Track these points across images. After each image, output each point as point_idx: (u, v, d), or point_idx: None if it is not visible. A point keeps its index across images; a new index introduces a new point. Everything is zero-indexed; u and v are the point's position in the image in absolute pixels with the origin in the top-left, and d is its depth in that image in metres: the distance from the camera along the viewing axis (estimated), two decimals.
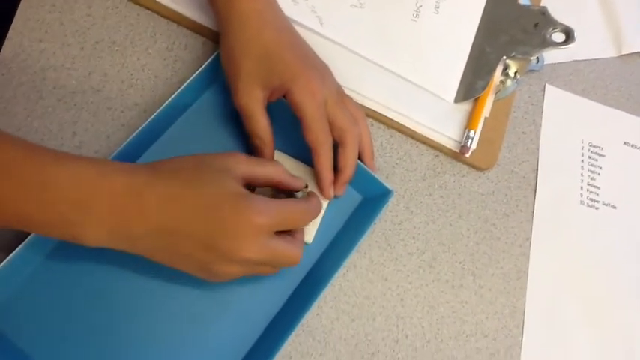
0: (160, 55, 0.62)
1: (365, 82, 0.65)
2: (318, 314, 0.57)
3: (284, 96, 0.55)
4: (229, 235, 0.46)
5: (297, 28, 0.60)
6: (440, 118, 0.66)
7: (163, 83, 0.61)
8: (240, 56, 0.55)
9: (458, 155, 0.65)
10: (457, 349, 0.59)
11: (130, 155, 0.55)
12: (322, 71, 0.57)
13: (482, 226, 0.64)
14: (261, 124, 0.55)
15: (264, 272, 0.50)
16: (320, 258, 0.57)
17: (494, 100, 0.68)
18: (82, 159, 0.45)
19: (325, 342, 0.56)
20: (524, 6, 0.70)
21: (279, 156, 0.58)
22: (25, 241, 0.49)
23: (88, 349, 0.50)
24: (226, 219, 0.46)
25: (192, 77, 0.58)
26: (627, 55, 0.77)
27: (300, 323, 0.53)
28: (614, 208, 0.68)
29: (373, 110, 0.65)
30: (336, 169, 0.57)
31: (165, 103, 0.56)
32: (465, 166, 0.66)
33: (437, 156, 0.66)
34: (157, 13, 0.64)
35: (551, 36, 0.67)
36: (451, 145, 0.66)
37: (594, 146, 0.71)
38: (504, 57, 0.67)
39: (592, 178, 0.69)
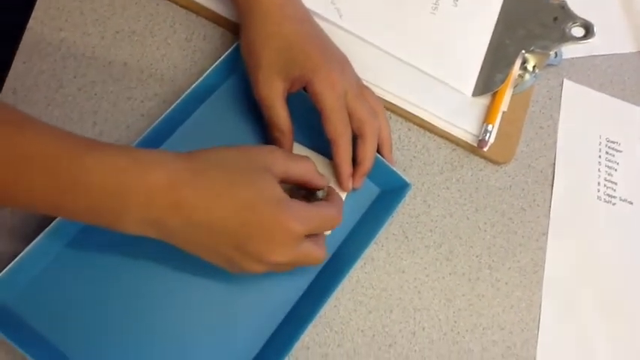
0: (179, 46, 0.62)
1: (383, 75, 0.65)
2: (335, 306, 0.57)
3: (304, 87, 0.55)
4: (263, 238, 0.46)
5: (316, 19, 0.60)
6: (458, 112, 0.66)
7: (182, 74, 0.61)
8: (261, 48, 0.55)
9: (475, 149, 0.65)
10: (473, 342, 0.59)
11: (150, 145, 0.55)
12: (342, 63, 0.57)
13: (499, 219, 0.64)
14: (281, 116, 0.55)
15: (285, 270, 0.50)
16: (338, 250, 0.57)
17: (512, 95, 0.68)
18: (118, 149, 0.44)
19: (342, 333, 0.56)
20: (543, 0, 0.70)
21: (297, 148, 0.58)
22: (45, 230, 0.49)
23: (107, 335, 0.51)
24: (263, 223, 0.45)
25: (212, 68, 0.58)
26: None
27: (318, 315, 0.53)
28: (630, 203, 0.68)
29: (391, 103, 0.65)
30: (354, 161, 0.57)
31: (185, 94, 0.56)
32: (482, 160, 0.66)
33: (454, 149, 0.66)
34: (176, 3, 0.64)
35: (570, 30, 0.67)
36: (469, 138, 0.65)
37: (612, 141, 0.71)
38: (523, 51, 0.67)
39: (609, 174, 0.69)
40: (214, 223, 0.45)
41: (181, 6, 0.64)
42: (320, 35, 0.58)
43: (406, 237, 0.61)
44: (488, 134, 0.64)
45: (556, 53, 0.72)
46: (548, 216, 0.66)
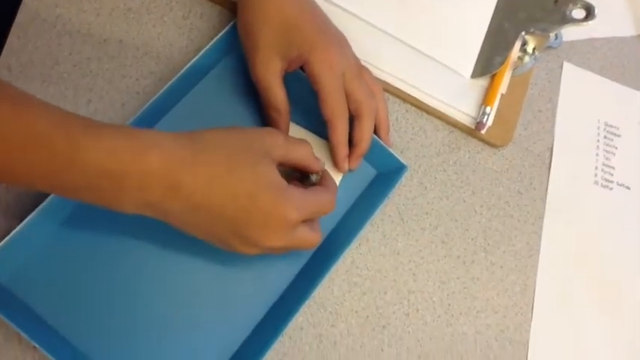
0: (176, 24, 0.61)
1: (381, 56, 0.65)
2: (329, 287, 0.57)
3: (301, 67, 0.54)
4: (260, 224, 0.46)
5: None
6: (456, 94, 0.65)
7: (179, 52, 0.60)
8: (258, 29, 0.54)
9: (473, 131, 0.65)
10: (467, 325, 0.59)
11: (144, 124, 0.55)
12: (341, 43, 0.56)
13: (495, 203, 0.64)
14: (278, 96, 0.55)
15: (279, 253, 0.51)
16: (332, 231, 0.57)
17: (511, 77, 0.67)
18: (115, 130, 0.43)
19: (336, 314, 0.56)
20: None
21: (293, 128, 0.58)
22: (39, 207, 0.49)
23: (104, 314, 0.51)
24: (261, 210, 0.45)
25: (208, 46, 0.57)
26: None
27: (312, 295, 0.53)
28: (628, 188, 0.68)
29: (389, 84, 0.65)
30: (351, 142, 0.56)
31: (181, 72, 0.55)
32: (479, 143, 0.66)
33: (452, 132, 0.66)
34: None
35: (571, 12, 0.66)
36: (467, 121, 0.65)
37: (610, 126, 0.70)
38: (523, 33, 0.66)
39: (607, 158, 0.69)
40: (212, 208, 0.45)
41: None
42: (319, 15, 0.57)
43: (402, 219, 0.61)
44: (486, 117, 0.64)
45: (556, 35, 0.71)
46: (544, 200, 0.65)
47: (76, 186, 0.42)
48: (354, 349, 0.56)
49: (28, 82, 0.55)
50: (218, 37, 0.58)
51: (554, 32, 0.67)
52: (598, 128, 0.70)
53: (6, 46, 0.56)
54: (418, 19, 0.67)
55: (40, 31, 0.58)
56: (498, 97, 0.65)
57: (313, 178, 0.53)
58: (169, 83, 0.54)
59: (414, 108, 0.65)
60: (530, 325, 0.61)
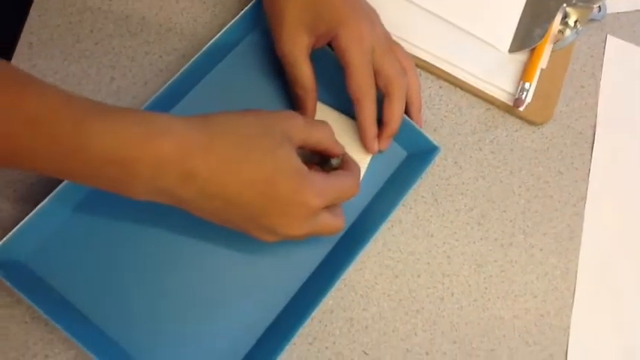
0: None
1: (414, 30, 0.62)
2: (361, 269, 0.55)
3: (329, 43, 0.52)
4: (280, 212, 0.44)
5: None
6: (493, 69, 0.63)
7: (203, 27, 0.59)
8: (284, 1, 0.52)
9: (511, 108, 0.62)
10: (505, 309, 0.57)
11: (168, 101, 0.54)
12: (371, 17, 0.54)
13: (534, 183, 0.61)
14: (304, 73, 0.53)
15: (300, 240, 0.48)
16: (362, 213, 0.56)
17: (551, 51, 0.64)
18: (124, 115, 0.41)
19: (368, 297, 0.55)
20: None
21: (320, 107, 0.56)
22: (58, 188, 0.48)
23: (122, 294, 0.50)
24: (280, 197, 0.44)
25: (233, 21, 0.56)
26: None
27: (342, 277, 0.51)
28: None
29: (422, 60, 0.62)
30: (380, 122, 0.54)
31: (204, 48, 0.54)
32: (518, 120, 0.63)
33: (489, 109, 0.63)
34: None
35: None
36: (504, 97, 0.62)
37: None
38: (565, 4, 0.63)
39: None
40: (229, 195, 0.43)
41: None
42: None
43: (436, 200, 0.59)
44: (525, 93, 0.61)
45: (600, 7, 0.68)
46: (586, 180, 0.62)
47: (83, 172, 0.41)
48: (387, 334, 0.54)
49: (49, 60, 0.55)
50: (243, 12, 0.56)
51: (598, 4, 0.64)
52: None
53: (26, 24, 0.55)
54: None
55: (61, 8, 0.57)
56: (538, 72, 0.62)
57: (334, 162, 0.51)
58: (192, 60, 0.53)
59: (448, 84, 0.63)
60: (571, 310, 0.58)
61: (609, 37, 0.69)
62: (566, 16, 0.64)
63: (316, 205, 0.45)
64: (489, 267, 0.58)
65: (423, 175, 0.57)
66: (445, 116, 0.62)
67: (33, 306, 0.45)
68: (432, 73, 0.63)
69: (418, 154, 0.57)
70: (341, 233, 0.54)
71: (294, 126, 0.46)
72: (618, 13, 0.70)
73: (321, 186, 0.45)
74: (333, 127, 0.53)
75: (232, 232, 0.47)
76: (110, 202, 0.50)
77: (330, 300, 0.54)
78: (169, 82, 0.52)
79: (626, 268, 0.60)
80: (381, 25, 0.55)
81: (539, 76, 0.63)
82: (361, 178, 0.55)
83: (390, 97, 0.53)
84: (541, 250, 0.59)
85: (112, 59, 0.56)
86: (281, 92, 0.57)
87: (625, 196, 0.63)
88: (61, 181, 0.48)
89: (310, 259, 0.54)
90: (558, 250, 0.60)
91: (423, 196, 0.58)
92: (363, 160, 0.55)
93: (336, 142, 0.50)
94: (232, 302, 0.51)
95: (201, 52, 0.54)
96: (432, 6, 0.63)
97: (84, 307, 0.49)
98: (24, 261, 0.49)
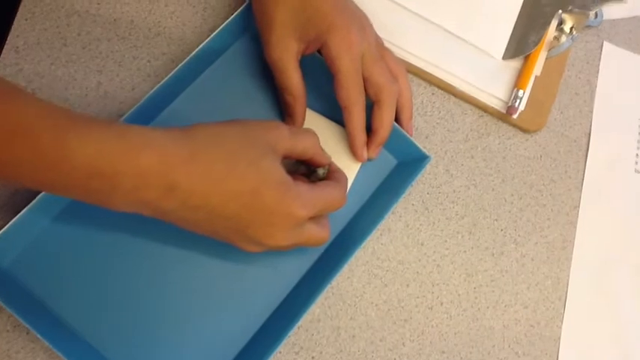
0: (189, 2, 0.59)
1: (407, 36, 0.62)
2: (349, 277, 0.55)
3: (319, 49, 0.51)
4: (264, 223, 0.44)
5: None
6: (486, 76, 0.62)
7: (192, 32, 0.58)
8: (274, 6, 0.52)
9: (504, 116, 0.61)
10: (494, 319, 0.56)
11: (156, 107, 0.53)
12: (362, 22, 0.53)
13: (527, 191, 0.61)
14: (294, 80, 0.52)
15: (286, 250, 0.48)
16: (351, 222, 0.55)
17: (546, 58, 0.63)
18: (107, 127, 0.40)
19: (356, 306, 0.54)
20: None
21: (309, 114, 0.55)
22: (41, 194, 0.47)
23: (105, 300, 0.50)
24: (265, 208, 0.43)
25: (222, 26, 0.55)
26: None
27: (330, 285, 0.51)
28: None
29: (414, 65, 0.61)
30: (370, 129, 0.54)
31: (193, 53, 0.53)
32: (511, 128, 0.62)
33: (481, 116, 0.62)
34: None
35: None
36: (497, 104, 0.62)
37: None
38: (560, 10, 0.62)
39: None
40: (212, 207, 0.42)
41: None
42: None
43: (426, 208, 0.58)
44: (518, 100, 0.60)
45: (596, 13, 0.67)
46: (580, 189, 0.62)
47: (64, 184, 0.40)
48: (374, 343, 0.53)
49: (35, 64, 0.54)
50: (232, 17, 0.55)
51: (595, 10, 0.63)
52: None
53: (13, 27, 0.55)
54: None
55: (48, 11, 0.56)
56: (532, 79, 0.62)
57: (320, 172, 0.50)
58: (181, 64, 0.52)
59: (440, 91, 0.62)
60: (562, 321, 0.58)
61: (605, 44, 0.68)
62: (561, 22, 0.64)
63: (301, 216, 0.44)
64: (480, 276, 0.57)
65: (413, 184, 0.56)
66: (437, 123, 0.61)
67: (14, 314, 0.44)
68: (424, 79, 0.62)
69: (408, 163, 0.57)
70: (332, 238, 0.54)
71: (279, 136, 0.46)
72: (615, 19, 0.69)
73: (306, 197, 0.45)
74: (322, 134, 0.53)
75: (217, 240, 0.47)
76: (92, 210, 0.49)
77: (317, 308, 0.53)
78: (157, 87, 0.52)
79: (618, 277, 0.60)
80: (373, 31, 0.55)
81: (534, 83, 0.62)
82: (350, 185, 0.55)
83: (380, 105, 0.53)
84: (532, 259, 0.59)
85: (100, 63, 0.55)
86: (270, 98, 0.57)
87: (619, 206, 0.62)
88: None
89: (297, 267, 0.53)
90: (550, 259, 0.59)
91: (413, 204, 0.58)
92: (352, 168, 0.55)
93: (323, 151, 0.49)
94: (217, 311, 0.51)
95: (189, 57, 0.53)
96: (424, 11, 0.62)
97: (66, 315, 0.49)
98: (5, 269, 0.48)
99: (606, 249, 0.60)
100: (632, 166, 0.64)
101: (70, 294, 0.49)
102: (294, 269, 0.53)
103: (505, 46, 0.63)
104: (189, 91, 0.55)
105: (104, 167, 0.39)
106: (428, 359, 0.54)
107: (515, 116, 0.61)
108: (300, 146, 0.47)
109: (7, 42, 0.54)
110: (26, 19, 0.55)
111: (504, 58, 0.63)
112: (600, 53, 0.68)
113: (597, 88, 0.66)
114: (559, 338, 0.57)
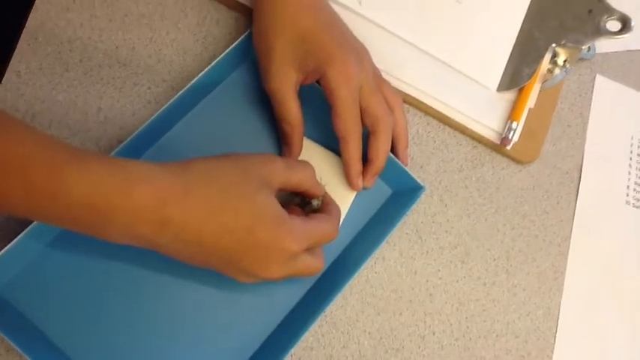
0: (190, 30, 0.60)
1: (403, 66, 0.62)
2: (342, 306, 0.55)
3: (317, 80, 0.52)
4: (258, 257, 0.44)
5: (334, 6, 0.58)
6: (481, 107, 0.63)
7: (192, 59, 0.59)
8: (273, 37, 0.52)
9: (498, 147, 0.62)
10: (486, 349, 0.57)
11: (155, 133, 0.54)
12: (360, 54, 0.54)
13: (519, 222, 0.61)
14: (292, 109, 0.53)
15: (280, 281, 0.48)
16: (345, 250, 0.55)
17: (540, 90, 0.64)
18: (101, 162, 0.41)
19: (349, 334, 0.54)
20: None
21: (307, 143, 0.56)
22: (26, 230, 0.48)
23: (99, 326, 0.50)
24: (259, 243, 0.44)
25: (223, 54, 0.56)
26: None
27: (323, 314, 0.51)
28: None
29: (410, 96, 0.62)
30: (366, 159, 0.54)
31: (194, 80, 0.54)
32: (504, 159, 0.63)
33: (475, 147, 0.63)
34: None
35: (605, 24, 0.63)
36: (491, 135, 0.62)
37: None
38: (554, 44, 0.63)
39: None
40: (205, 241, 0.43)
41: None
42: (337, 24, 0.55)
43: (420, 237, 0.59)
44: (512, 132, 0.61)
45: (589, 47, 0.68)
46: (572, 220, 0.63)
47: (59, 217, 0.41)
48: None
49: (37, 89, 0.55)
50: (232, 46, 0.56)
51: (588, 44, 0.64)
52: (631, 145, 0.67)
53: (16, 52, 0.55)
54: (442, 28, 0.64)
55: (51, 37, 0.57)
56: (526, 111, 0.62)
57: (315, 203, 0.51)
58: (180, 92, 0.53)
59: (435, 121, 0.63)
60: (552, 351, 0.58)
61: (598, 77, 0.69)
62: (555, 55, 0.65)
63: (295, 250, 0.45)
64: (472, 306, 0.58)
65: (407, 214, 0.57)
66: (432, 153, 0.62)
67: (6, 339, 0.44)
68: (420, 109, 0.63)
69: (403, 193, 0.57)
70: (326, 266, 0.54)
71: (273, 170, 0.46)
72: (607, 52, 0.70)
73: (299, 231, 0.45)
74: (318, 163, 0.54)
75: (211, 270, 0.47)
76: (86, 237, 0.49)
77: (311, 337, 0.54)
78: (157, 113, 0.52)
79: (609, 309, 0.60)
80: (370, 62, 0.55)
81: (527, 115, 0.63)
82: (345, 214, 0.55)
83: (376, 136, 0.53)
84: (524, 289, 0.59)
85: (101, 89, 0.56)
86: (268, 127, 0.57)
87: (609, 237, 0.63)
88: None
89: (291, 295, 0.53)
90: (541, 289, 0.60)
91: (407, 233, 0.58)
92: (347, 197, 0.55)
93: (317, 183, 0.50)
94: (210, 338, 0.51)
95: (189, 84, 0.54)
96: (421, 43, 0.63)
97: (59, 340, 0.49)
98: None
99: (597, 280, 0.61)
100: (623, 198, 0.65)
101: (64, 319, 0.49)
102: (287, 297, 0.53)
103: (500, 78, 0.64)
104: (188, 118, 0.56)
105: (99, 202, 0.39)
106: None
107: (509, 147, 0.62)
108: (295, 179, 0.48)
109: (9, 66, 0.55)
110: (29, 44, 0.56)
111: (499, 89, 0.64)
112: (593, 86, 0.69)
113: (589, 121, 0.67)
114: None
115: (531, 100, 0.63)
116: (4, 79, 0.54)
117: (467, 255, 0.59)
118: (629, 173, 0.65)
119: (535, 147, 0.63)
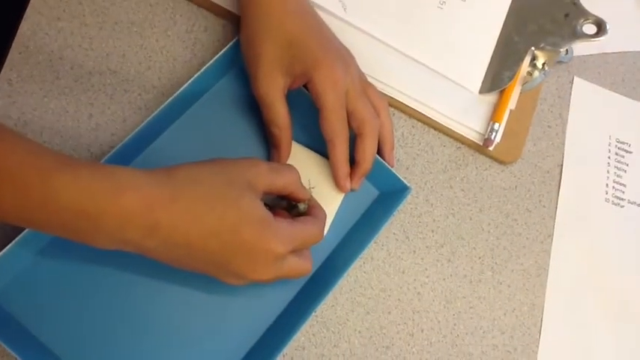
0: (179, 38, 0.61)
1: (388, 71, 0.64)
2: (332, 305, 0.56)
3: (304, 84, 0.53)
4: (245, 259, 0.45)
5: (319, 13, 0.59)
6: (464, 110, 0.64)
7: (182, 66, 0.60)
8: (261, 42, 0.54)
9: (481, 148, 0.64)
10: (473, 346, 0.58)
11: (146, 139, 0.54)
12: (346, 59, 0.55)
13: (503, 220, 0.63)
14: (280, 113, 0.54)
15: (269, 283, 0.49)
16: (334, 251, 0.56)
17: (520, 92, 0.66)
18: (91, 169, 0.42)
19: (339, 334, 0.55)
20: None
21: (295, 147, 0.57)
22: (18, 238, 0.48)
23: (92, 331, 0.50)
24: (245, 245, 0.44)
25: (212, 61, 0.57)
26: None
27: (314, 314, 0.52)
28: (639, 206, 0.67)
29: (395, 99, 0.64)
30: (353, 161, 0.55)
31: (183, 87, 0.55)
32: (487, 159, 0.65)
33: (459, 148, 0.64)
34: None
35: (582, 27, 0.65)
36: (474, 137, 0.64)
37: (622, 142, 0.69)
38: (532, 48, 0.65)
39: (618, 175, 0.67)
40: (193, 244, 0.44)
41: None
42: (323, 29, 0.57)
43: (407, 237, 0.60)
44: (494, 133, 0.63)
45: (567, 50, 0.70)
46: (554, 218, 0.64)
47: (48, 223, 0.41)
48: None
49: (28, 97, 0.55)
50: (221, 52, 0.57)
51: (565, 47, 0.66)
52: (609, 145, 0.69)
53: (7, 60, 0.56)
54: (425, 34, 0.66)
55: (42, 45, 0.57)
56: (507, 113, 0.64)
57: (301, 207, 0.52)
58: (171, 98, 0.54)
59: (420, 124, 0.64)
60: (537, 346, 0.59)
61: (576, 79, 0.71)
62: (534, 58, 0.66)
63: (280, 252, 0.45)
64: (458, 303, 0.59)
65: (394, 215, 0.58)
66: (417, 154, 0.63)
67: (1, 343, 0.45)
68: (405, 112, 0.64)
69: (390, 194, 0.58)
70: (316, 267, 0.55)
71: (258, 173, 0.47)
72: (584, 55, 0.72)
73: (285, 233, 0.46)
74: (307, 165, 0.55)
75: (201, 274, 0.48)
76: (78, 243, 0.50)
77: (302, 336, 0.54)
78: (148, 119, 0.53)
79: (592, 303, 0.62)
80: (356, 67, 0.57)
81: (508, 117, 0.64)
82: (333, 216, 0.56)
83: (363, 138, 0.54)
84: (509, 286, 0.61)
85: (91, 96, 0.57)
86: (257, 131, 0.58)
87: (590, 233, 0.64)
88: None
89: (282, 296, 0.54)
90: (526, 286, 0.61)
91: (394, 233, 0.60)
92: (335, 199, 0.57)
93: (302, 187, 0.51)
94: (202, 340, 0.52)
95: (179, 90, 0.54)
96: (405, 48, 0.65)
97: (53, 345, 0.49)
98: None
99: (579, 275, 0.62)
100: (602, 196, 0.66)
101: (57, 324, 0.49)
102: (278, 298, 0.54)
103: (481, 81, 0.66)
104: (178, 124, 0.56)
105: (89, 208, 0.40)
106: None
107: (491, 148, 0.63)
108: (280, 182, 0.48)
109: (0, 75, 0.55)
110: (20, 53, 0.56)
111: (481, 92, 0.65)
112: (571, 88, 0.71)
113: (568, 122, 0.69)
114: None
115: (512, 102, 0.65)
116: None
117: (453, 254, 0.60)
118: (608, 172, 0.67)
119: (517, 147, 0.65)
